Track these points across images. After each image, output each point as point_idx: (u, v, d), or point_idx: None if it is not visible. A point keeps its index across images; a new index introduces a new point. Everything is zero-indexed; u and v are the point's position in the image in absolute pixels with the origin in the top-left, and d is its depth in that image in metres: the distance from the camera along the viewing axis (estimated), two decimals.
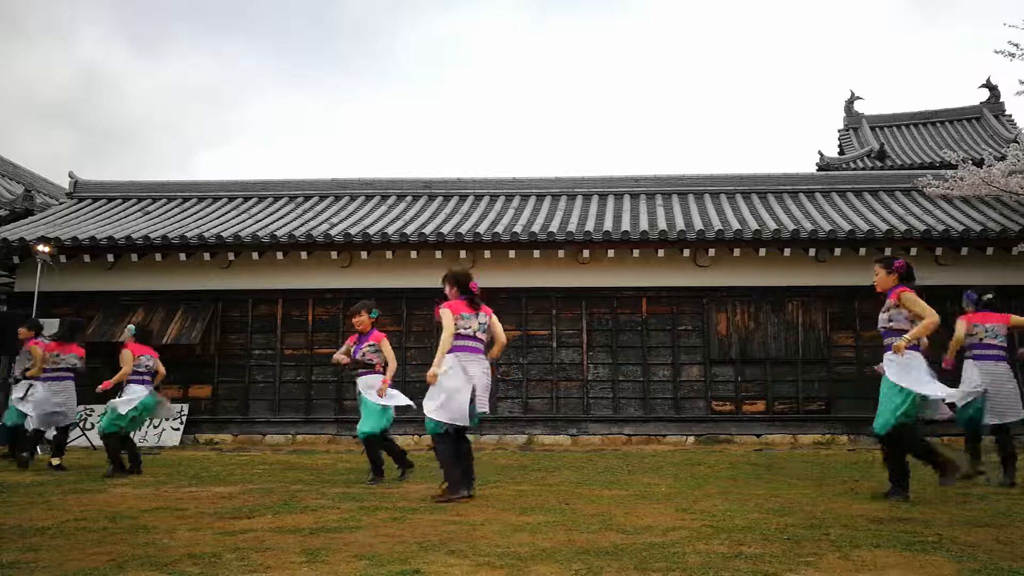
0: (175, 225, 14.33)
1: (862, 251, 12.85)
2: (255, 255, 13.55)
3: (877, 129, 26.34)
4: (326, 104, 66.00)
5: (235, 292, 13.94)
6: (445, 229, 13.47)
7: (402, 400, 7.65)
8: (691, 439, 12.93)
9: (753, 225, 13.27)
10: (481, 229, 13.33)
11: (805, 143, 62.07)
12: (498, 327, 6.37)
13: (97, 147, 58.96)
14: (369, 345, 7.61)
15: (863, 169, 22.38)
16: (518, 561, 3.79)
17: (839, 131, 27.31)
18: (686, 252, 13.38)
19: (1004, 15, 47.76)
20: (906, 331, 5.64)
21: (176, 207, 15.65)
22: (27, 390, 9.53)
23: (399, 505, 5.81)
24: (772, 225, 13.26)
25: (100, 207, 15.73)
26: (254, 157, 62.66)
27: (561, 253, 13.28)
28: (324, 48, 65.01)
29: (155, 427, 13.13)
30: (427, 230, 13.36)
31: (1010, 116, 25.48)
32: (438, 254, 13.40)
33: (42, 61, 55.29)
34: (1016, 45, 13.31)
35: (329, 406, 13.63)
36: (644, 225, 13.59)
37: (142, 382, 8.36)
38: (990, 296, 7.51)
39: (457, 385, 6.00)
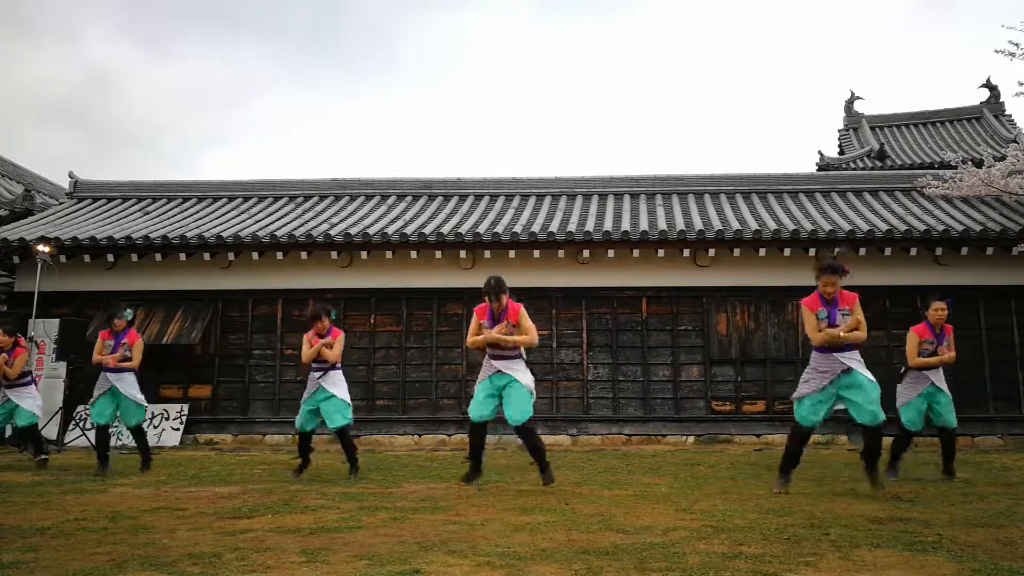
0: (175, 225, 14.32)
1: (862, 251, 12.85)
2: (255, 255, 13.55)
3: (877, 129, 26.33)
4: (328, 104, 66.05)
5: (235, 292, 13.94)
6: (445, 229, 13.47)
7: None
8: (691, 439, 12.93)
9: (753, 225, 13.27)
10: (481, 229, 13.33)
11: (805, 143, 62.08)
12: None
13: (101, 147, 59.01)
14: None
15: (863, 169, 22.38)
16: (518, 561, 3.79)
17: (839, 131, 27.31)
18: (686, 252, 13.38)
19: (1004, 15, 47.80)
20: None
21: (176, 207, 15.65)
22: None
23: (399, 505, 5.81)
24: (772, 225, 13.25)
25: (100, 207, 15.73)
26: (256, 157, 62.69)
27: (561, 253, 13.28)
28: (326, 48, 65.05)
29: (155, 427, 13.13)
30: (427, 230, 13.36)
31: (1010, 116, 25.47)
32: (438, 254, 13.40)
33: (46, 61, 55.33)
34: (1016, 45, 13.30)
35: None
36: (644, 225, 13.59)
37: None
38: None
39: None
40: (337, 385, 7.75)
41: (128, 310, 8.74)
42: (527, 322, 6.80)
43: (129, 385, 8.46)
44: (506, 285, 6.81)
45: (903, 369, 7.61)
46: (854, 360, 6.12)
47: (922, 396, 7.40)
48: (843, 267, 6.26)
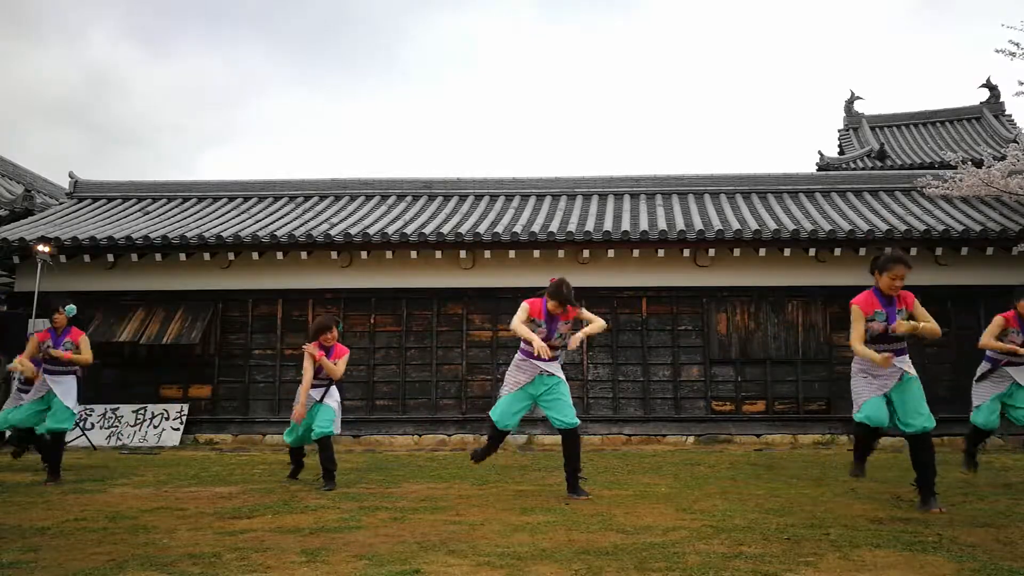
0: (175, 225, 14.32)
1: (862, 251, 12.84)
2: (255, 255, 13.54)
3: (877, 129, 26.31)
4: (328, 104, 66.06)
5: (235, 292, 13.94)
6: (445, 229, 13.47)
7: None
8: (691, 439, 12.93)
9: (753, 225, 13.27)
10: (481, 229, 13.33)
11: (805, 143, 62.07)
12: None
13: (101, 147, 59.03)
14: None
15: (863, 169, 22.36)
16: (518, 561, 3.79)
17: (839, 131, 27.29)
18: (686, 252, 13.38)
19: (1004, 15, 47.80)
20: None
21: (176, 207, 15.64)
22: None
23: (399, 505, 5.82)
24: (772, 225, 13.25)
25: (100, 207, 15.73)
26: (256, 157, 62.71)
27: (561, 253, 13.28)
28: (327, 48, 65.05)
29: (155, 427, 13.14)
30: (427, 230, 13.36)
31: (1010, 116, 25.45)
32: (438, 254, 13.40)
33: (47, 61, 55.34)
34: (1016, 45, 13.31)
35: None
36: (644, 225, 13.58)
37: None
38: None
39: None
40: (331, 396, 7.22)
41: (71, 305, 7.89)
42: (588, 313, 6.37)
43: (66, 390, 7.74)
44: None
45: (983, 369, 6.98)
46: (907, 363, 5.59)
47: (997, 397, 6.78)
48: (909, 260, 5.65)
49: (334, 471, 7.06)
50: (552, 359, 6.26)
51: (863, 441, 5.96)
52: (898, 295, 5.61)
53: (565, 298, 6.16)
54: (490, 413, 6.49)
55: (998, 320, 6.76)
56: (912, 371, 5.56)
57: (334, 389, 7.30)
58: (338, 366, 7.21)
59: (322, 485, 6.90)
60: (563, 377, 6.35)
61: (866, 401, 5.61)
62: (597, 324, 6.28)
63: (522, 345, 6.36)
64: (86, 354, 7.83)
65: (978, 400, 6.95)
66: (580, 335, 6.16)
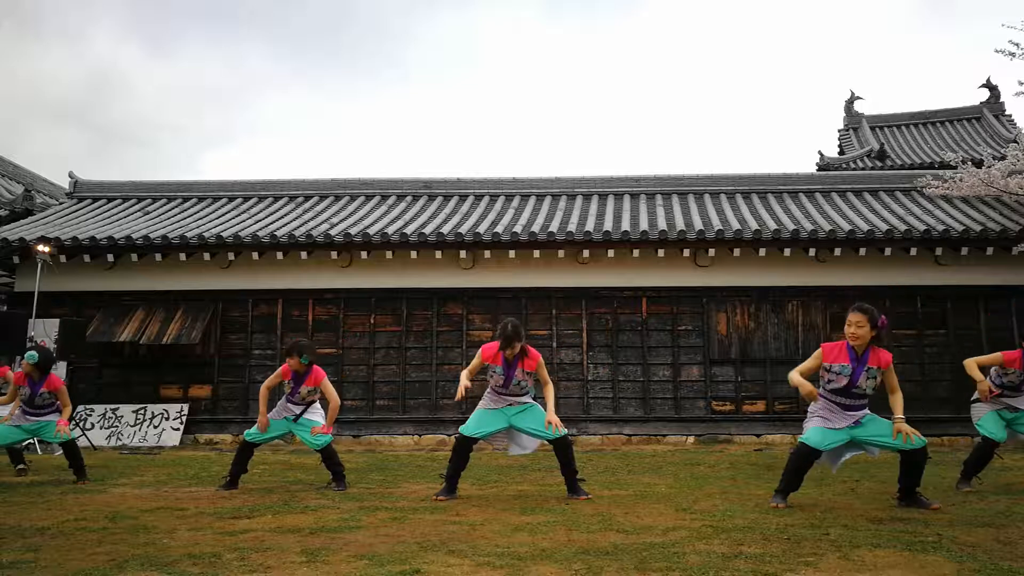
0: (175, 225, 14.32)
1: (862, 251, 12.85)
2: (255, 255, 13.55)
3: (877, 129, 26.31)
4: (328, 103, 66.06)
5: (235, 292, 13.94)
6: (445, 229, 13.47)
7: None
8: (691, 439, 12.93)
9: (753, 225, 13.26)
10: (481, 229, 13.33)
11: (805, 143, 62.03)
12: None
13: (102, 147, 58.99)
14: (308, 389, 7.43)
15: (863, 169, 22.37)
16: (518, 561, 3.79)
17: (839, 131, 27.30)
18: (686, 252, 13.38)
19: (1004, 15, 47.76)
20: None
21: (176, 207, 15.65)
22: None
23: (399, 505, 5.82)
24: (772, 225, 13.25)
25: (100, 207, 15.73)
26: (256, 157, 62.69)
27: (561, 253, 13.28)
28: (327, 47, 65.06)
29: (155, 427, 13.15)
30: (427, 230, 13.36)
31: (1010, 116, 25.44)
32: (438, 254, 13.40)
33: (49, 61, 55.33)
34: (1016, 45, 13.28)
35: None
36: (644, 225, 13.58)
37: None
38: None
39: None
40: (315, 413, 7.44)
41: (31, 352, 7.67)
42: (545, 373, 6.42)
43: (54, 416, 7.86)
44: (522, 331, 6.27)
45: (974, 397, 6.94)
46: (865, 411, 5.60)
47: (996, 412, 6.80)
48: (877, 313, 5.45)
49: (343, 472, 7.22)
50: (520, 395, 6.39)
51: (801, 461, 5.67)
52: (873, 352, 5.45)
53: (510, 338, 6.10)
54: (460, 429, 6.43)
55: (997, 356, 6.65)
56: (869, 413, 5.60)
57: (317, 407, 7.51)
58: (330, 397, 7.35)
59: (335, 487, 7.02)
60: (535, 403, 6.47)
61: (815, 428, 5.62)
62: (551, 391, 6.46)
63: (489, 381, 6.43)
64: (66, 404, 7.91)
65: (978, 414, 6.93)
66: (555, 417, 6.21)
